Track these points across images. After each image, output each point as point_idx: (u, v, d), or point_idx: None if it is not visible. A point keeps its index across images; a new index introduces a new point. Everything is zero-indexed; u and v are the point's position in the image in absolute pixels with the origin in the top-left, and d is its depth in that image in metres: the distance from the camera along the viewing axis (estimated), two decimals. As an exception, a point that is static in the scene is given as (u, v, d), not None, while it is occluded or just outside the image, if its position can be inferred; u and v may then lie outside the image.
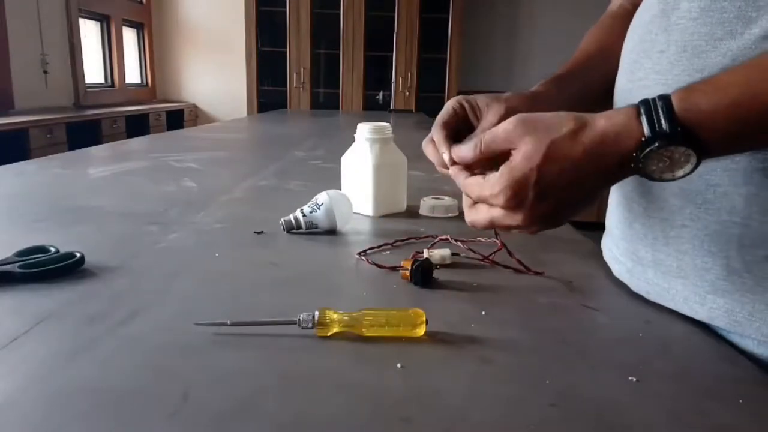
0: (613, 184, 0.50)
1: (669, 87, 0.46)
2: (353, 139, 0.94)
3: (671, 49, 0.51)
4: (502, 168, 0.47)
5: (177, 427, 0.36)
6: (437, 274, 0.65)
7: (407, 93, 5.26)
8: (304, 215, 0.82)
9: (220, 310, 0.55)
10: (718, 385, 0.44)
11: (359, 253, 0.72)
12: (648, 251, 0.57)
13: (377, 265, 0.68)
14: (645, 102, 0.43)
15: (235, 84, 5.79)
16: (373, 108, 5.25)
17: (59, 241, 0.69)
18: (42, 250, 0.67)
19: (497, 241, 0.70)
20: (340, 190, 0.91)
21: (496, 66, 5.51)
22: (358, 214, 0.93)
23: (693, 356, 0.49)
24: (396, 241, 0.78)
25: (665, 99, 0.42)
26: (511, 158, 0.47)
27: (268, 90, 5.40)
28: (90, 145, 1.97)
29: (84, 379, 0.42)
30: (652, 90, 0.49)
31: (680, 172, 0.43)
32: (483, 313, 0.56)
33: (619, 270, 0.64)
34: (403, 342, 0.49)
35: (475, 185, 0.50)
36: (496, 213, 0.49)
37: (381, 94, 5.34)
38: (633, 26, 0.60)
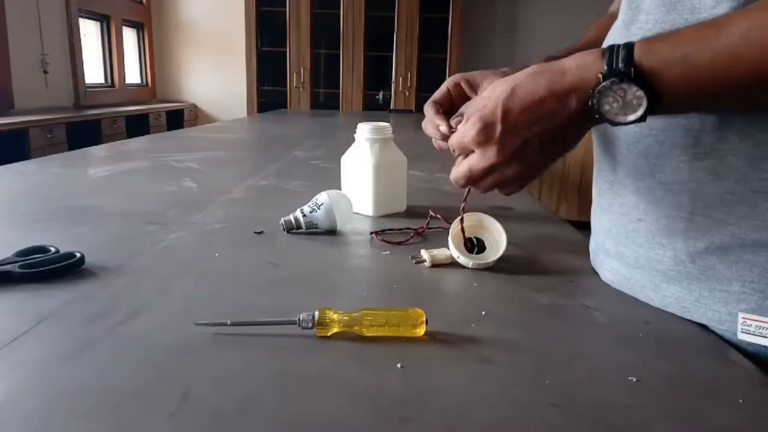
0: (578, 129, 0.50)
1: None
2: (353, 139, 0.94)
3: None
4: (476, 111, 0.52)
5: (177, 427, 0.36)
6: (437, 273, 0.65)
7: (407, 93, 5.26)
8: (304, 215, 0.82)
9: (220, 310, 0.55)
10: (718, 385, 0.44)
11: (372, 233, 0.81)
12: (612, 243, 0.62)
13: (387, 242, 0.74)
14: (611, 46, 0.47)
15: (235, 84, 5.79)
16: (373, 108, 5.25)
17: (59, 241, 0.69)
18: (42, 250, 0.67)
19: (463, 203, 0.68)
20: (340, 190, 0.91)
21: (496, 66, 5.47)
22: (358, 214, 0.93)
23: (693, 356, 0.49)
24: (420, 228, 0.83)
25: (628, 44, 0.46)
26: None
27: (268, 90, 5.40)
28: (90, 145, 1.97)
29: (84, 379, 0.42)
30: None
31: (632, 116, 0.46)
32: (483, 313, 0.56)
33: (593, 260, 0.69)
34: (403, 342, 0.49)
35: (455, 135, 0.55)
36: (473, 158, 0.53)
37: (381, 94, 5.34)
38: (607, 36, 0.64)
